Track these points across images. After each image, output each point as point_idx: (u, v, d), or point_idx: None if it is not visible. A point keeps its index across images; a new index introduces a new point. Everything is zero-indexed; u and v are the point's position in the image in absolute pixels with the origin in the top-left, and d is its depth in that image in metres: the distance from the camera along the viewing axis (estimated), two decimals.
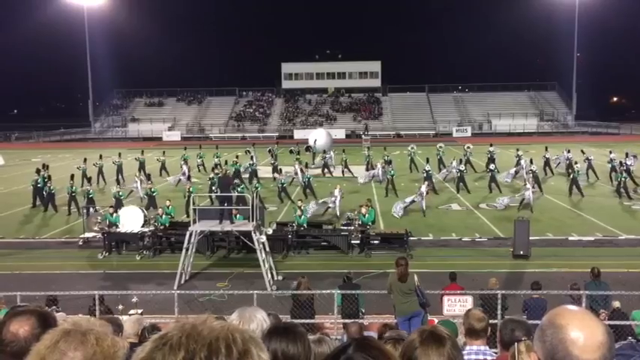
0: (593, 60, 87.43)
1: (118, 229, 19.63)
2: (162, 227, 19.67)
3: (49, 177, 27.18)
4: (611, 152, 32.62)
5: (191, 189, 22.96)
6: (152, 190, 25.18)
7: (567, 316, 1.68)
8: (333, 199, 23.35)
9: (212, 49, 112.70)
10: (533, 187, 25.28)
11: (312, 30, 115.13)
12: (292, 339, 2.59)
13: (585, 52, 79.09)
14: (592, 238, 20.43)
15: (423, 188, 24.50)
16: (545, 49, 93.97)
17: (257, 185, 26.34)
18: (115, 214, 20.06)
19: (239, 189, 23.90)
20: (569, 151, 34.08)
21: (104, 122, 77.39)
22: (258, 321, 2.82)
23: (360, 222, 19.52)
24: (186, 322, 1.29)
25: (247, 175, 31.74)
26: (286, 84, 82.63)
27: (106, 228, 19.61)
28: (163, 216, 20.01)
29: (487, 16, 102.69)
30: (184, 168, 32.43)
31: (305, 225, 19.62)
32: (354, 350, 1.69)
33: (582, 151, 33.56)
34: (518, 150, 35.93)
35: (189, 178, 30.43)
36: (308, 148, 40.59)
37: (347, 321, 10.80)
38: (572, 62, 71.73)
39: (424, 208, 24.33)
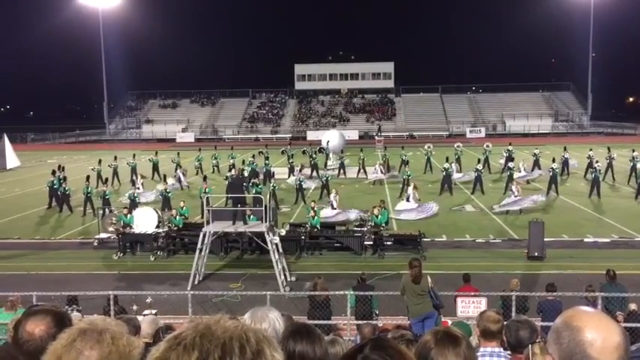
0: (608, 60, 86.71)
1: (132, 230, 19.75)
2: (175, 228, 19.78)
3: (65, 178, 27.42)
4: (634, 150, 32.27)
5: (207, 189, 23.08)
6: (167, 190, 25.31)
7: (583, 318, 1.67)
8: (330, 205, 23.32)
9: (225, 50, 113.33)
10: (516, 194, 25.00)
11: (325, 31, 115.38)
12: (316, 341, 2.59)
13: (601, 52, 78.42)
14: (608, 240, 20.22)
15: (410, 190, 24.39)
16: (560, 49, 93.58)
17: (274, 185, 26.45)
18: (129, 215, 20.18)
19: (257, 188, 23.98)
20: (590, 150, 33.73)
21: (119, 124, 78.03)
22: (270, 320, 2.82)
23: (372, 223, 19.50)
24: (200, 323, 1.30)
25: (261, 176, 31.83)
26: (299, 85, 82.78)
27: (121, 229, 19.74)
28: (177, 217, 20.11)
29: (501, 16, 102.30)
30: (179, 172, 32.55)
31: (318, 226, 19.64)
32: (370, 350, 1.69)
33: (608, 149, 33.15)
34: (536, 149, 35.74)
35: (179, 180, 30.65)
36: (321, 150, 40.58)
37: (360, 322, 10.78)
38: (587, 62, 71.10)
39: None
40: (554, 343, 1.69)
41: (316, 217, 19.74)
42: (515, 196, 24.71)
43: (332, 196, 23.32)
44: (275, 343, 1.32)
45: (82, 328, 1.63)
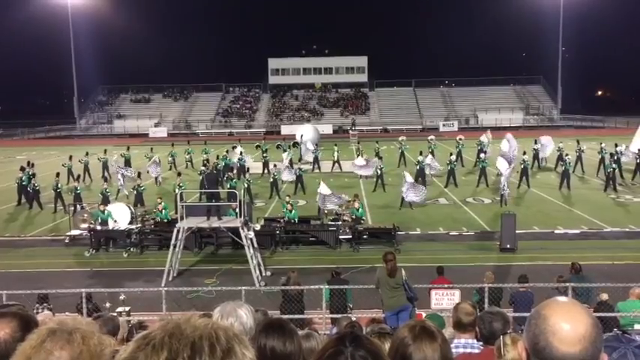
0: (578, 54, 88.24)
1: (107, 227, 19.52)
2: (165, 222, 19.70)
3: (34, 174, 26.93)
4: (602, 143, 32.85)
5: (181, 184, 22.89)
6: (140, 186, 25.03)
7: (553, 307, 1.68)
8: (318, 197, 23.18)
9: (198, 44, 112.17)
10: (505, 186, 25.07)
11: (298, 25, 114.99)
12: (289, 336, 2.59)
13: (570, 46, 79.77)
14: (578, 231, 20.61)
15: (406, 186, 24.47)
16: (531, 44, 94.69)
17: (249, 180, 26.34)
18: (105, 211, 19.96)
19: (232, 183, 23.85)
20: (560, 142, 34.29)
21: (89, 119, 76.85)
22: (237, 315, 2.81)
23: (354, 216, 19.63)
24: (169, 322, 1.28)
25: (235, 171, 31.68)
26: (273, 79, 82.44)
27: (92, 225, 19.49)
28: (163, 211, 19.93)
29: (473, 10, 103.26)
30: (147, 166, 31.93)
31: (296, 219, 19.65)
32: (351, 346, 1.70)
33: (577, 142, 33.74)
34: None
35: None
36: (295, 144, 40.55)
37: (336, 316, 10.83)
38: (557, 56, 72.25)
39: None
40: (525, 330, 1.72)
41: (294, 211, 19.77)
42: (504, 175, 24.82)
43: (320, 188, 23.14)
44: (246, 341, 1.31)
45: (51, 328, 1.60)
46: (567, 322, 1.63)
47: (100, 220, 19.67)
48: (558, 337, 1.61)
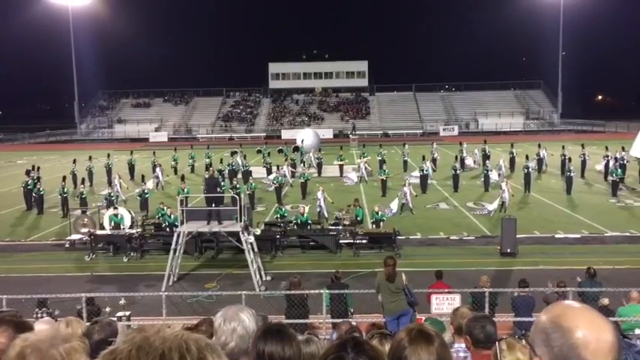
0: (578, 58, 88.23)
1: (121, 230, 19.55)
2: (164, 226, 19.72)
3: (39, 178, 26.89)
4: (607, 148, 32.88)
5: (186, 190, 22.94)
6: (145, 192, 25.03)
7: (574, 317, 1.58)
8: (317, 202, 23.18)
9: (199, 49, 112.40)
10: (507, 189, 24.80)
11: (299, 30, 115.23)
12: (287, 341, 2.58)
13: (570, 51, 79.79)
14: (578, 236, 20.58)
15: (406, 189, 24.59)
16: (531, 48, 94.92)
17: (254, 185, 26.35)
18: (119, 215, 19.96)
19: (236, 190, 23.88)
20: (562, 147, 34.26)
21: (90, 123, 76.82)
22: (239, 319, 2.80)
23: (374, 220, 20.11)
24: (137, 334, 1.23)
25: (240, 175, 31.63)
26: (273, 84, 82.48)
27: (92, 230, 19.49)
28: (172, 215, 19.89)
29: (473, 15, 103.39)
30: (157, 170, 32.08)
31: (309, 222, 19.88)
32: (353, 351, 1.69)
33: (582, 146, 33.75)
34: (512, 147, 36.20)
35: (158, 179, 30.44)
36: (296, 148, 40.53)
37: (336, 320, 10.80)
38: (557, 61, 72.27)
39: (411, 206, 24.53)
40: (543, 345, 1.59)
41: (306, 215, 19.84)
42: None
43: (319, 193, 23.10)
44: (219, 350, 1.27)
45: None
46: (595, 331, 1.54)
47: (112, 224, 19.69)
48: (592, 349, 1.52)
